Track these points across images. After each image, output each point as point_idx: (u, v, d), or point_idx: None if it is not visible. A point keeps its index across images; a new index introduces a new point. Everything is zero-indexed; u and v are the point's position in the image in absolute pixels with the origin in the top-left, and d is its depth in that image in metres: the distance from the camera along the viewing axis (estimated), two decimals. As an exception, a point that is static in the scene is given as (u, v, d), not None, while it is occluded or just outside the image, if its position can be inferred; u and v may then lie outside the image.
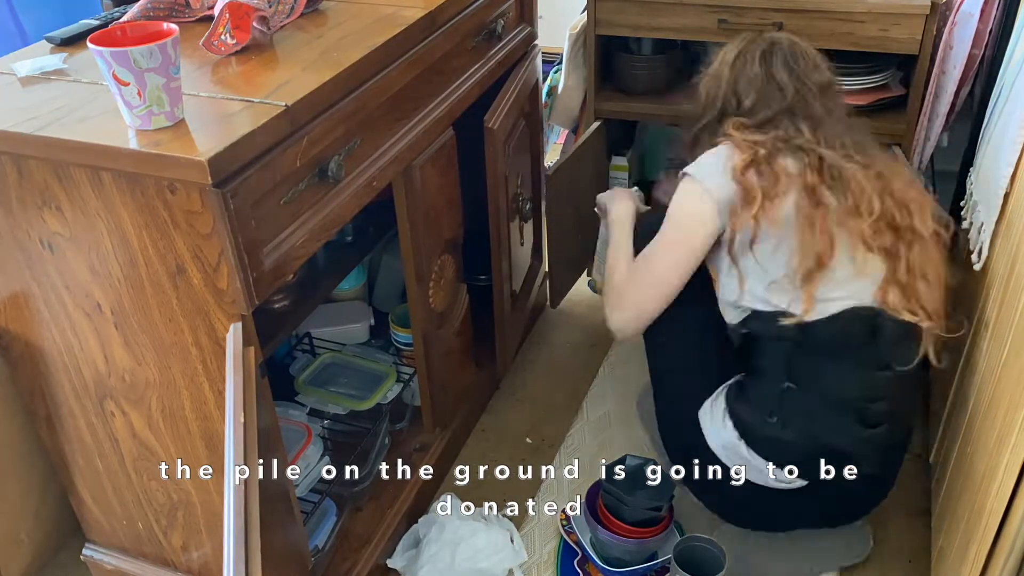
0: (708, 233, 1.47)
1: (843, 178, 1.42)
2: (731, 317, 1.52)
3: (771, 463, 1.50)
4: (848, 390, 1.47)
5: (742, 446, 1.51)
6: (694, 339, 1.59)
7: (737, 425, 1.52)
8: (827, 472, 1.48)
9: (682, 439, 1.62)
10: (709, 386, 1.58)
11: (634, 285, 1.57)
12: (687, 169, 1.51)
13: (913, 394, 1.57)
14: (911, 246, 1.43)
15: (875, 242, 1.42)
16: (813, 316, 1.43)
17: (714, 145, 1.51)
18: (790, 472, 1.49)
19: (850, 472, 1.48)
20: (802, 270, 1.41)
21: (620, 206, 1.74)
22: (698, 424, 1.57)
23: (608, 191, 1.84)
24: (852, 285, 1.43)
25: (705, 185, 1.46)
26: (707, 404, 1.58)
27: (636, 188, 1.92)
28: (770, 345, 1.50)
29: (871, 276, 1.43)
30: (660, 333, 1.61)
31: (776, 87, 1.49)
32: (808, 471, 1.50)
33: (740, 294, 1.48)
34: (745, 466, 1.52)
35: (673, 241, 1.52)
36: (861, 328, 1.44)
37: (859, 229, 1.41)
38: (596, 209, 1.85)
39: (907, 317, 1.42)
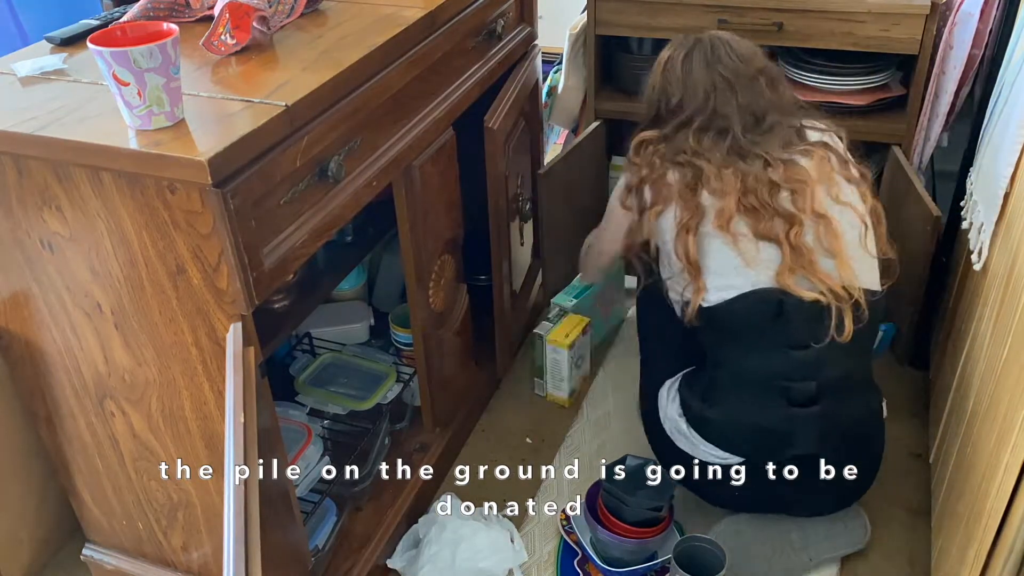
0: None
1: (723, 180, 1.50)
2: (675, 308, 1.63)
3: (707, 440, 1.58)
4: (763, 370, 1.53)
5: (683, 422, 1.61)
6: (668, 327, 1.68)
7: (682, 404, 1.63)
8: (761, 449, 1.56)
9: (646, 415, 1.75)
10: (674, 369, 1.69)
11: (588, 257, 1.95)
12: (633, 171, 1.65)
13: (858, 369, 1.58)
14: (801, 228, 1.48)
15: (763, 232, 1.48)
16: (713, 302, 1.52)
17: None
18: (717, 447, 1.58)
19: (786, 455, 1.54)
20: (684, 269, 1.53)
21: None
22: (656, 400, 1.70)
23: None
24: (748, 272, 1.50)
25: (612, 204, 1.72)
26: (667, 383, 1.68)
27: None
28: (697, 332, 1.59)
29: (764, 262, 1.49)
30: (647, 318, 1.84)
31: (693, 85, 1.57)
32: (743, 448, 1.57)
33: (666, 287, 1.62)
34: (688, 441, 1.61)
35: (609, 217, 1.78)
36: (763, 309, 1.49)
37: (746, 224, 1.49)
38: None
39: (807, 296, 1.46)
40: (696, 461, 1.61)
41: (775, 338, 1.52)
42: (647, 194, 1.59)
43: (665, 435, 1.66)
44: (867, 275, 1.53)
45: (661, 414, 1.67)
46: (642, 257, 1.73)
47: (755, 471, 1.57)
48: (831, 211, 1.51)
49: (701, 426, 1.59)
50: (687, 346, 1.65)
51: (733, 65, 1.56)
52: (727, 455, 1.58)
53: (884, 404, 1.64)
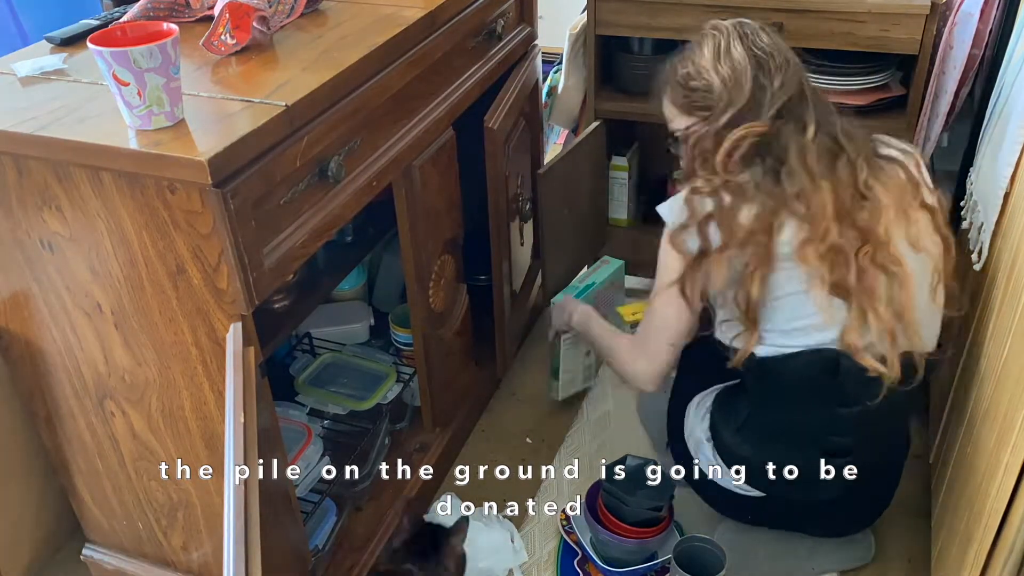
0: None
1: (813, 200, 1.31)
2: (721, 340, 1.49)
3: (730, 470, 1.54)
4: (806, 423, 1.47)
5: (708, 447, 1.56)
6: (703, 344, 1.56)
7: (711, 426, 1.56)
8: (777, 478, 1.49)
9: (672, 421, 1.67)
10: (704, 383, 1.61)
11: (644, 337, 1.57)
12: (661, 211, 1.45)
13: (892, 422, 1.54)
14: (873, 285, 1.32)
15: (833, 279, 1.31)
16: (767, 354, 1.40)
17: (710, 179, 1.39)
18: (737, 474, 1.52)
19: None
20: (741, 316, 1.38)
21: (576, 311, 1.82)
22: (684, 413, 1.63)
23: (553, 310, 1.92)
24: (818, 334, 1.37)
25: (683, 240, 1.41)
26: (698, 397, 1.61)
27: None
28: (745, 370, 1.46)
29: (835, 323, 1.35)
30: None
31: (789, 63, 1.36)
32: (766, 487, 1.53)
33: (721, 328, 1.47)
34: (708, 465, 1.57)
35: (663, 287, 1.47)
36: (821, 369, 1.39)
37: (817, 269, 1.32)
38: (554, 332, 1.94)
39: (867, 364, 1.34)
40: (696, 462, 1.60)
41: (826, 396, 1.42)
42: (713, 233, 1.35)
43: (687, 451, 1.61)
44: (929, 332, 1.41)
45: (687, 431, 1.61)
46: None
47: (771, 502, 1.56)
48: (907, 259, 1.33)
49: (728, 457, 1.53)
50: (722, 361, 1.48)
51: (782, 46, 1.37)
52: (748, 488, 1.54)
53: (911, 445, 1.63)
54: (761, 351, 1.41)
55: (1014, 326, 1.27)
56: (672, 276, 1.42)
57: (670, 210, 1.42)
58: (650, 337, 1.54)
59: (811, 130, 1.35)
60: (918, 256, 1.36)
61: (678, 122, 1.48)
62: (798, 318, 1.37)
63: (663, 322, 1.50)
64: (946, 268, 1.40)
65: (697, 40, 1.44)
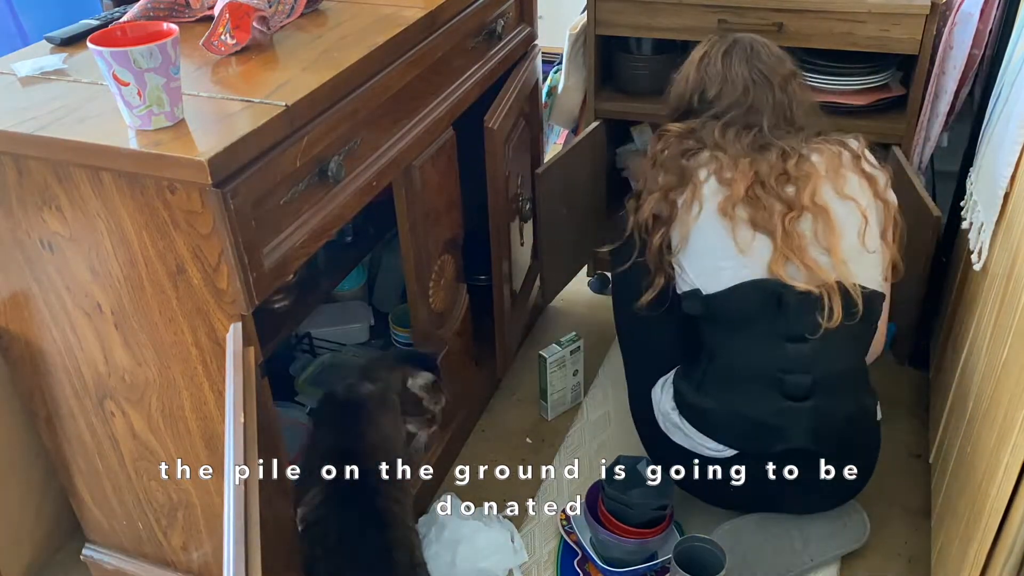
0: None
1: (736, 168, 1.52)
2: (680, 293, 1.62)
3: (699, 430, 1.59)
4: (758, 361, 1.55)
5: (675, 414, 1.62)
6: (654, 324, 1.69)
7: (675, 395, 1.64)
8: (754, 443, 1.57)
9: (637, 414, 1.76)
10: (665, 366, 1.70)
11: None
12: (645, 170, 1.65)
13: (854, 368, 1.58)
14: (798, 215, 1.49)
15: (761, 221, 1.49)
16: (709, 290, 1.53)
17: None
18: (709, 438, 1.59)
19: (781, 448, 1.54)
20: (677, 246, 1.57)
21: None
22: (650, 398, 1.70)
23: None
24: (740, 258, 1.51)
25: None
26: (661, 380, 1.68)
27: None
28: (696, 322, 1.60)
29: (757, 250, 1.50)
30: (627, 314, 1.77)
31: (733, 79, 1.58)
32: (735, 439, 1.58)
33: (678, 275, 1.61)
34: (682, 433, 1.62)
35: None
36: (762, 298, 1.51)
37: (746, 212, 1.50)
38: None
39: (799, 287, 1.47)
40: (696, 462, 1.61)
41: (773, 329, 1.53)
42: (658, 178, 1.59)
43: (659, 431, 1.66)
44: (865, 272, 1.53)
45: (655, 409, 1.67)
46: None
47: (750, 469, 1.58)
48: (831, 204, 1.51)
49: (694, 416, 1.60)
50: (675, 341, 1.66)
51: (771, 63, 1.58)
52: (720, 447, 1.58)
53: (879, 407, 1.64)
54: (707, 289, 1.54)
55: (1014, 326, 1.27)
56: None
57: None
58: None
59: (731, 133, 1.56)
60: (843, 202, 1.52)
61: None
62: (725, 254, 1.52)
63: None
64: (887, 236, 1.56)
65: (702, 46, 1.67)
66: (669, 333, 1.67)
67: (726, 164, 1.53)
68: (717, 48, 1.62)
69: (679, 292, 1.60)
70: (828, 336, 1.49)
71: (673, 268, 1.60)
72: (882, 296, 1.57)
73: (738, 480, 1.57)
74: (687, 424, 1.61)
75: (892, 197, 1.57)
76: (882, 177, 1.57)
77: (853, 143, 1.58)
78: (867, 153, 1.58)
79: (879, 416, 1.64)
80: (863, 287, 1.51)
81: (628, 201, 1.68)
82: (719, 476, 1.59)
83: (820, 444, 1.55)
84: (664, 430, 1.65)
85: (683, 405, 1.62)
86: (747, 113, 1.57)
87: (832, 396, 1.55)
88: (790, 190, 1.51)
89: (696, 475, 1.62)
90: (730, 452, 1.58)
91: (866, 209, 1.52)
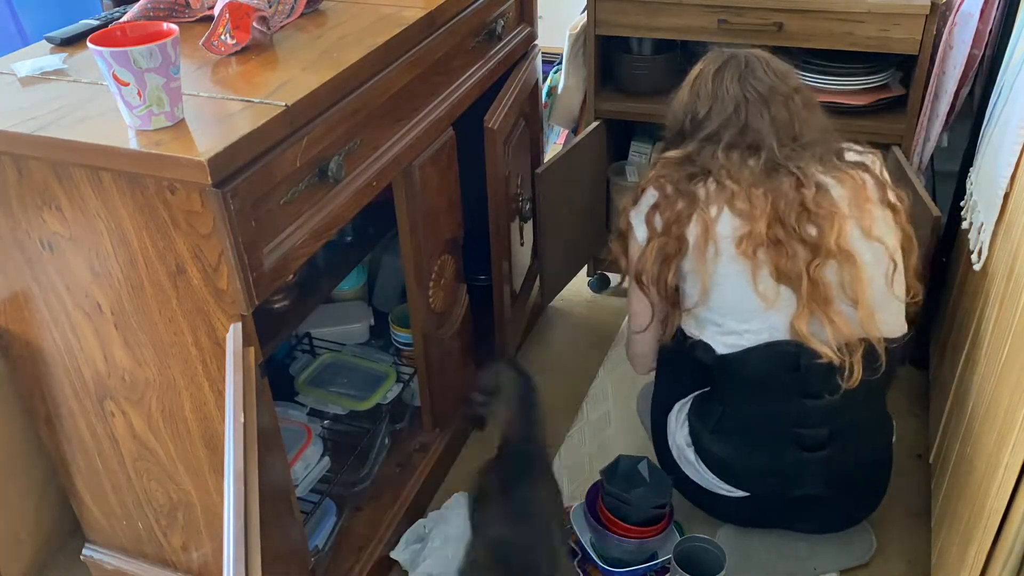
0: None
1: (751, 201, 1.41)
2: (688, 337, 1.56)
3: (713, 472, 1.58)
4: (776, 417, 1.51)
5: (691, 452, 1.60)
6: (678, 349, 1.61)
7: (691, 432, 1.60)
8: (769, 489, 1.57)
9: (656, 429, 1.72)
10: (682, 391, 1.66)
11: (627, 324, 1.74)
12: (628, 207, 1.56)
13: (866, 412, 1.55)
14: (824, 262, 1.39)
15: (785, 269, 1.39)
16: (724, 350, 1.47)
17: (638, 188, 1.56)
18: (723, 481, 1.58)
19: (793, 492, 1.54)
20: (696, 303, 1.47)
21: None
22: (666, 422, 1.67)
23: None
24: (767, 316, 1.43)
25: (636, 232, 1.55)
26: (677, 405, 1.66)
27: None
28: (709, 370, 1.54)
29: (783, 309, 1.42)
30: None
31: (722, 97, 1.50)
32: (749, 485, 1.57)
33: (686, 324, 1.55)
34: (694, 469, 1.61)
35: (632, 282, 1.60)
36: (780, 363, 1.45)
37: (769, 258, 1.40)
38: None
39: (821, 351, 1.39)
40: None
41: (790, 388, 1.48)
42: (666, 214, 1.47)
43: (673, 460, 1.65)
44: (892, 320, 1.46)
45: (670, 439, 1.65)
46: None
47: (762, 503, 1.59)
48: (858, 248, 1.41)
49: (709, 460, 1.58)
50: (697, 368, 1.57)
51: (769, 81, 1.48)
52: (733, 489, 1.58)
53: (895, 429, 1.64)
54: (721, 348, 1.48)
55: (1014, 326, 1.27)
56: (635, 297, 1.59)
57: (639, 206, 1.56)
58: (629, 324, 1.70)
59: (736, 155, 1.47)
60: (870, 244, 1.43)
61: None
62: (744, 312, 1.44)
63: (632, 310, 1.65)
64: (908, 263, 1.48)
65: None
66: (688, 357, 1.56)
67: (738, 194, 1.42)
68: (710, 65, 1.53)
69: (689, 337, 1.53)
70: (846, 391, 1.43)
71: (682, 313, 1.52)
72: (904, 342, 1.50)
73: (722, 486, 1.59)
74: (702, 465, 1.59)
75: (911, 229, 1.49)
76: (906, 204, 1.48)
77: (874, 165, 1.49)
78: (886, 176, 1.50)
79: (894, 437, 1.64)
80: (888, 339, 1.44)
81: (613, 242, 1.59)
82: (703, 480, 1.61)
83: (834, 490, 1.55)
84: (677, 462, 1.63)
85: (700, 448, 1.59)
86: (743, 133, 1.47)
87: (849, 445, 1.53)
88: (812, 231, 1.40)
89: (704, 499, 1.65)
90: (741, 493, 1.58)
91: (894, 252, 1.44)
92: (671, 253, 1.46)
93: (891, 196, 1.47)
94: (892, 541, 1.71)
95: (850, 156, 1.51)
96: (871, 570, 1.67)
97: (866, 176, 1.47)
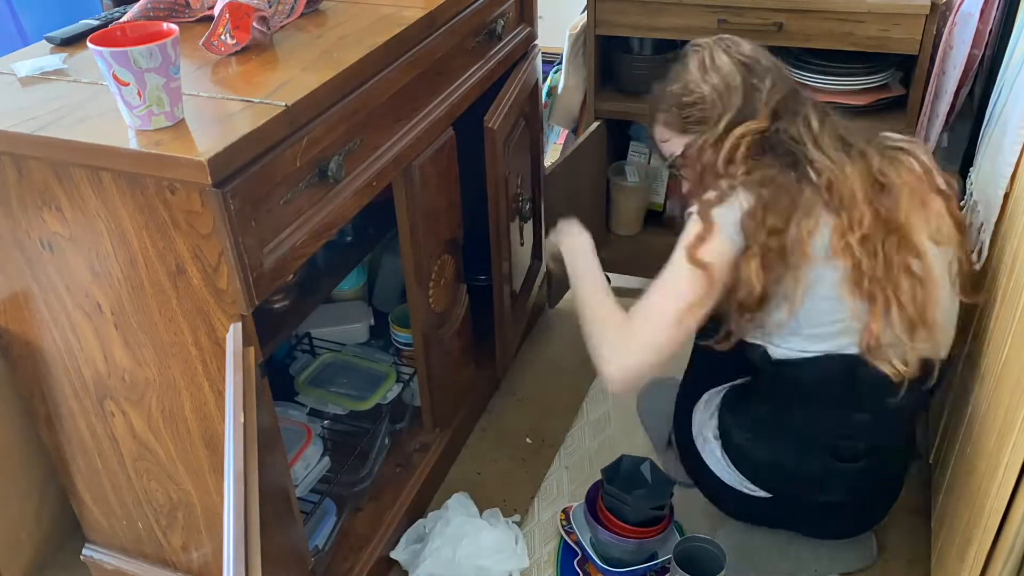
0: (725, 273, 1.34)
1: (847, 180, 1.29)
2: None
3: (738, 471, 1.54)
4: (821, 429, 1.47)
5: (717, 446, 1.55)
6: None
7: (720, 426, 1.55)
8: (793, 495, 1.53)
9: (679, 418, 1.65)
10: (717, 380, 1.60)
11: (643, 324, 1.37)
12: (699, 212, 1.35)
13: (904, 427, 1.54)
14: (898, 277, 1.30)
15: (867, 271, 1.29)
16: (782, 355, 1.39)
17: (720, 185, 1.35)
18: (747, 480, 1.54)
19: (816, 497, 1.51)
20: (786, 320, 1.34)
21: (571, 239, 1.59)
22: (692, 410, 1.62)
23: (556, 231, 1.66)
24: (839, 339, 1.35)
25: (725, 233, 1.32)
26: (707, 395, 1.60)
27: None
28: (756, 368, 1.47)
29: (856, 324, 1.32)
30: None
31: (747, 72, 1.38)
32: (774, 487, 1.54)
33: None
34: (719, 464, 1.56)
35: (688, 278, 1.33)
36: (839, 374, 1.37)
37: (853, 263, 1.29)
38: (550, 259, 1.71)
39: (886, 369, 1.33)
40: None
41: (841, 400, 1.41)
42: (769, 221, 1.29)
43: (696, 451, 1.60)
44: (950, 334, 1.40)
45: (695, 430, 1.60)
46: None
47: (781, 503, 1.57)
48: (930, 256, 1.30)
49: (738, 458, 1.54)
50: (739, 360, 1.46)
51: (764, 53, 1.40)
52: (755, 489, 1.55)
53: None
54: (778, 353, 1.39)
55: (1014, 326, 1.27)
56: (689, 295, 1.32)
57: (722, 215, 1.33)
58: (650, 320, 1.35)
59: (815, 122, 1.35)
60: (940, 250, 1.34)
61: (675, 144, 1.48)
62: (824, 324, 1.34)
63: (679, 300, 1.32)
64: (963, 251, 1.38)
65: (681, 61, 1.46)
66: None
67: (833, 175, 1.26)
68: (707, 50, 1.42)
69: (743, 337, 1.41)
70: (896, 407, 1.36)
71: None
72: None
73: (748, 486, 1.56)
74: (728, 461, 1.55)
75: (961, 215, 1.38)
76: (955, 189, 1.38)
77: (919, 152, 1.38)
78: (933, 161, 1.38)
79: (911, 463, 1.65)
80: (938, 359, 1.37)
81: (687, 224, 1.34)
82: (725, 476, 1.58)
83: (854, 498, 1.54)
84: (701, 453, 1.59)
85: (728, 444, 1.53)
86: (796, 101, 1.34)
87: (884, 459, 1.51)
88: (886, 206, 1.28)
89: (702, 474, 1.61)
90: (763, 494, 1.55)
91: (957, 250, 1.35)
92: (774, 262, 1.29)
93: (941, 181, 1.35)
94: (892, 541, 1.71)
95: (890, 143, 1.39)
96: (871, 570, 1.67)
97: (913, 161, 1.35)
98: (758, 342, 1.41)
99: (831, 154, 1.32)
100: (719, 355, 1.43)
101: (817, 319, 1.34)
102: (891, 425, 1.48)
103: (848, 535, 1.66)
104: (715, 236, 1.31)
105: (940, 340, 1.37)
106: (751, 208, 1.30)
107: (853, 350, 1.35)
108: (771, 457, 1.50)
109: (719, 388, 1.60)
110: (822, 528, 1.64)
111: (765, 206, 1.29)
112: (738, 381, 1.58)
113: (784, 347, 1.39)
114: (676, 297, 1.32)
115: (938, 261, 1.34)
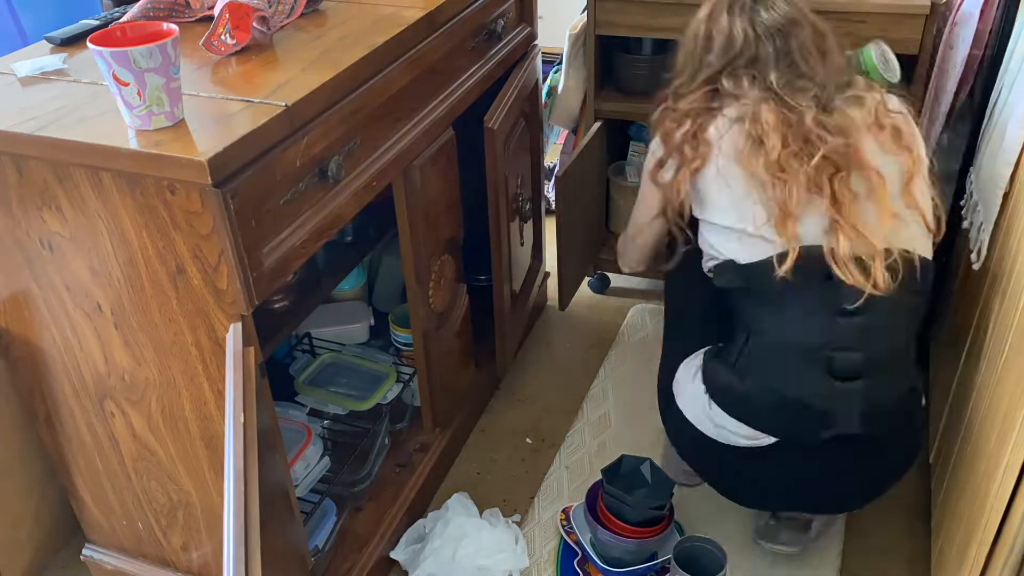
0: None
1: (765, 118, 1.42)
2: (707, 270, 1.54)
3: (735, 416, 1.47)
4: (804, 337, 1.42)
5: (707, 401, 1.49)
6: (695, 299, 1.63)
7: (705, 380, 1.51)
8: (798, 428, 1.45)
9: (664, 398, 1.64)
10: (695, 346, 1.60)
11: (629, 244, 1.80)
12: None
13: (904, 346, 1.48)
14: (848, 175, 1.40)
15: (813, 179, 1.39)
16: (748, 258, 1.43)
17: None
18: (746, 424, 1.47)
19: (825, 430, 1.43)
20: (772, 218, 1.42)
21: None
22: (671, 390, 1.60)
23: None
24: (792, 226, 1.40)
25: (656, 153, 1.59)
26: (683, 364, 1.59)
27: None
28: (733, 298, 1.49)
29: (813, 218, 1.40)
30: (674, 288, 1.76)
31: (734, 35, 1.50)
32: (775, 423, 1.45)
33: (707, 246, 1.52)
34: (711, 423, 1.50)
35: (641, 195, 1.68)
36: (811, 271, 1.38)
37: (794, 168, 1.40)
38: None
39: (845, 274, 1.38)
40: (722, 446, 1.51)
41: (823, 302, 1.40)
42: (686, 152, 1.49)
43: (684, 421, 1.54)
44: (919, 237, 1.44)
45: (679, 399, 1.56)
46: (679, 223, 1.58)
47: (786, 460, 1.48)
48: (878, 161, 1.41)
49: (729, 401, 1.47)
50: (711, 324, 1.55)
51: (775, 14, 1.49)
52: (756, 434, 1.46)
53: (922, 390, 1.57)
54: (744, 258, 1.44)
55: (1014, 326, 1.27)
56: (652, 211, 1.63)
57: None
58: (631, 220, 1.75)
59: (745, 77, 1.49)
60: (886, 157, 1.43)
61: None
62: (761, 222, 1.42)
63: (641, 202, 1.68)
64: (912, 158, 1.46)
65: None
66: (702, 302, 1.59)
67: (751, 113, 1.44)
68: (722, 3, 1.53)
69: (710, 267, 1.52)
70: (880, 310, 1.37)
71: (686, 229, 1.54)
72: (932, 266, 1.47)
73: (765, 460, 1.48)
74: (719, 411, 1.48)
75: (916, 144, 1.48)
76: (909, 123, 1.49)
77: (891, 100, 1.50)
78: (892, 101, 1.50)
79: (923, 401, 1.59)
80: (914, 254, 1.41)
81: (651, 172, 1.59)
82: (749, 469, 1.51)
83: (870, 429, 1.42)
84: (693, 421, 1.53)
85: (716, 390, 1.49)
86: (750, 63, 1.49)
87: (884, 376, 1.43)
88: (836, 142, 1.40)
89: (722, 467, 1.55)
90: (767, 440, 1.46)
91: (913, 165, 1.44)
92: (685, 152, 1.49)
93: (895, 118, 1.48)
94: (892, 541, 1.71)
95: (861, 83, 1.51)
96: (871, 570, 1.67)
97: (877, 99, 1.47)
98: (724, 255, 1.47)
99: (746, 92, 1.47)
100: (692, 330, 1.62)
101: (750, 217, 1.43)
102: (882, 333, 1.42)
103: (867, 500, 1.58)
104: (650, 156, 1.61)
105: (897, 229, 1.41)
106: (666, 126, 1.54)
107: (817, 240, 1.40)
108: (764, 389, 1.44)
109: (695, 353, 1.58)
110: (843, 491, 1.54)
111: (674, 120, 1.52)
112: (714, 347, 1.57)
113: (749, 248, 1.44)
114: (646, 191, 1.66)
115: (887, 167, 1.42)
